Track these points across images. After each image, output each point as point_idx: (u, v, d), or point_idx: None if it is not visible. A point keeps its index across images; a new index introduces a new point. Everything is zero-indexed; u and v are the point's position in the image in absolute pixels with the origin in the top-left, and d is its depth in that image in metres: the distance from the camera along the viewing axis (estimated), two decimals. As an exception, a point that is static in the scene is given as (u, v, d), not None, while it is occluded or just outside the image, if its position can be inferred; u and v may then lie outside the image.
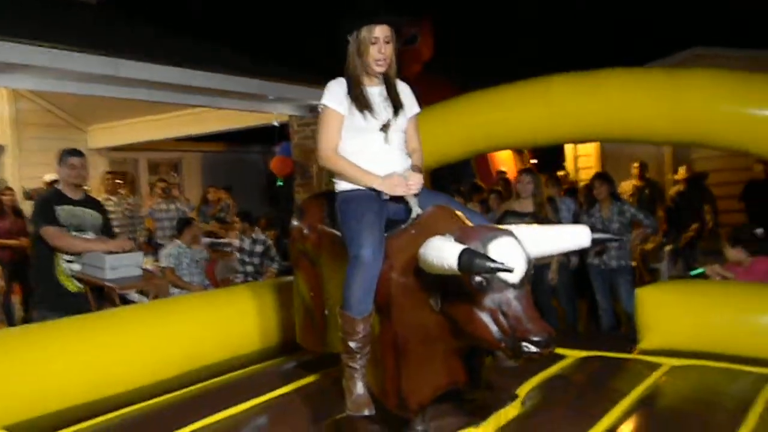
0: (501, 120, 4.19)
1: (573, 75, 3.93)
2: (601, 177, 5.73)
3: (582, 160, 10.28)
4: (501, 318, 2.24)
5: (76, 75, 5.15)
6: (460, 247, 2.15)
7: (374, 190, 2.74)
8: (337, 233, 2.92)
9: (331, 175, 2.91)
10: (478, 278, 2.21)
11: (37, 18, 5.54)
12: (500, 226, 2.40)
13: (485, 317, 2.26)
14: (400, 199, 2.75)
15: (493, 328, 2.26)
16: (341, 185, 2.85)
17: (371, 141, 2.81)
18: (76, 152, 4.30)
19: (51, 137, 8.85)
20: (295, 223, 3.26)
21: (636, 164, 8.37)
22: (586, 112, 3.83)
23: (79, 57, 4.91)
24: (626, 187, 8.42)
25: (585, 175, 10.05)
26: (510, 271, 2.12)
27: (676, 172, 8.64)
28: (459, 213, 2.65)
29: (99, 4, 8.37)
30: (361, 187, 2.77)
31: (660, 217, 7.87)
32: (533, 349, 2.15)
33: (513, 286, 2.24)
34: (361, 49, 2.76)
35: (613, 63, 4.03)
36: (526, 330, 2.18)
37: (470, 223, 2.56)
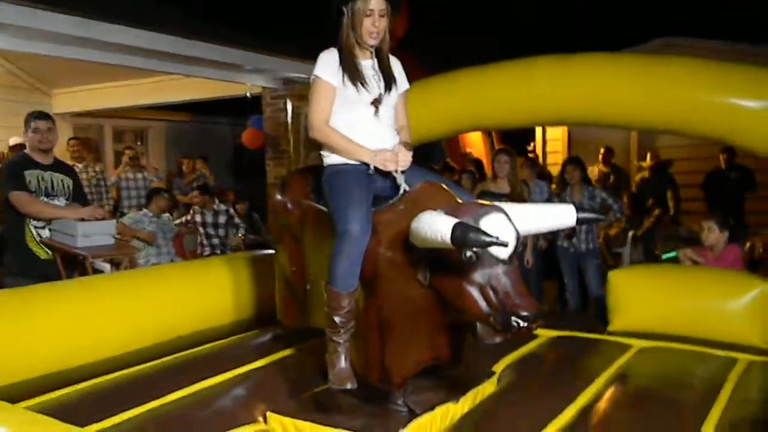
0: (483, 99, 4.20)
1: (557, 57, 3.95)
2: (574, 161, 5.80)
3: (550, 144, 10.38)
4: (490, 293, 2.27)
5: (45, 35, 4.96)
6: (454, 220, 2.17)
7: (364, 164, 2.73)
8: (323, 208, 2.91)
9: (319, 147, 2.88)
10: (468, 253, 2.22)
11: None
12: (490, 203, 2.41)
13: (474, 292, 2.29)
14: (387, 175, 2.75)
15: (482, 302, 2.29)
16: (330, 158, 2.82)
17: (362, 114, 2.79)
18: (42, 115, 4.15)
19: (15, 100, 8.58)
20: (278, 197, 3.21)
21: (602, 149, 8.50)
22: (569, 95, 3.86)
23: (50, 16, 4.73)
24: (593, 172, 8.54)
25: (553, 159, 10.17)
26: (504, 245, 2.15)
27: (643, 158, 8.78)
28: (448, 189, 2.66)
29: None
30: (350, 162, 2.75)
31: (625, 203, 8.03)
32: (522, 323, 2.19)
33: (503, 261, 2.27)
34: (356, 21, 2.72)
35: (587, 48, 4.06)
36: (515, 305, 2.22)
37: (460, 200, 2.58)
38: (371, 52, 2.83)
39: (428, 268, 2.42)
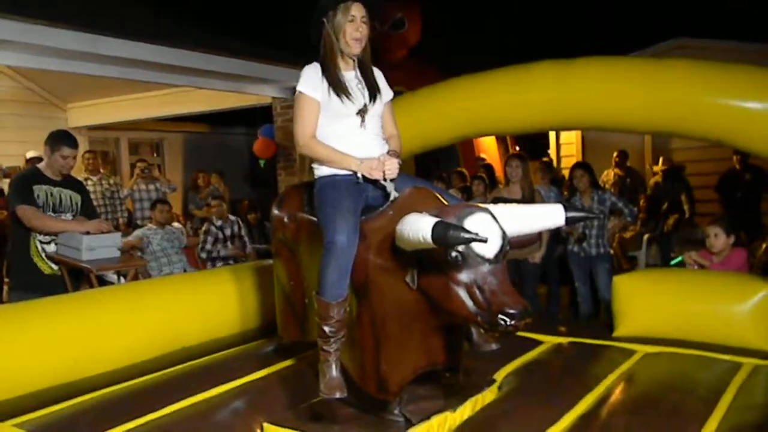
0: (485, 106, 4.19)
1: (556, 62, 3.93)
2: (582, 167, 5.76)
3: (564, 149, 10.31)
4: (477, 292, 2.27)
5: (55, 51, 5.06)
6: (434, 219, 2.18)
7: (353, 173, 2.73)
8: (316, 220, 2.93)
9: (311, 161, 2.89)
10: (454, 253, 2.24)
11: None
12: (476, 204, 2.42)
13: (461, 292, 2.30)
14: (377, 184, 2.75)
15: (469, 302, 2.29)
16: (320, 170, 2.83)
17: (348, 126, 2.80)
18: (71, 141, 4.09)
19: (30, 114, 8.74)
20: (275, 212, 3.24)
21: (615, 153, 8.43)
22: (567, 100, 3.84)
23: (59, 33, 4.82)
24: (608, 176, 8.48)
25: (567, 163, 10.07)
26: (483, 241, 2.15)
27: (656, 161, 8.71)
28: (437, 194, 2.67)
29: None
30: (339, 173, 2.76)
31: (642, 206, 7.96)
32: (509, 321, 2.19)
33: (488, 260, 2.27)
34: (337, 29, 2.75)
35: (597, 52, 4.03)
36: (501, 303, 2.22)
37: (447, 203, 2.58)
38: (354, 62, 2.84)
39: (415, 270, 2.42)
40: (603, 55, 3.96)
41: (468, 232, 2.13)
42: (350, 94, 2.76)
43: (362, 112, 2.79)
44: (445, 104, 4.44)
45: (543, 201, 5.54)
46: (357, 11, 2.73)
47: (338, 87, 2.75)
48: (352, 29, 2.74)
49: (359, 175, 2.72)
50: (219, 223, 6.86)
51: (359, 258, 2.60)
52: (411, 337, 2.60)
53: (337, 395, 2.61)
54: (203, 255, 6.75)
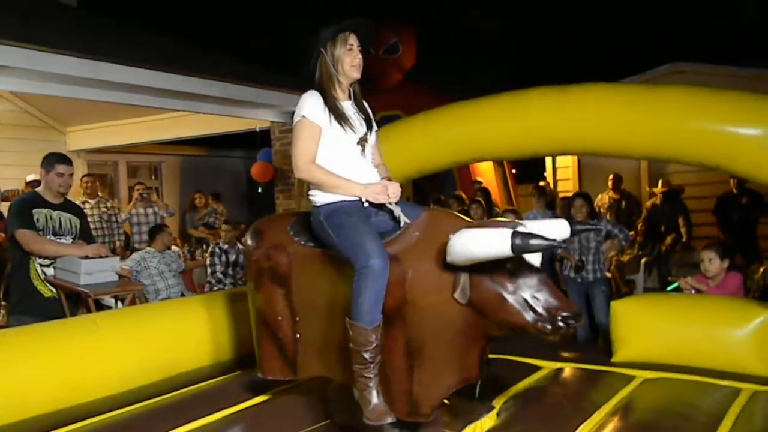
0: (481, 131, 4.22)
1: (551, 89, 3.97)
2: (583, 197, 5.78)
3: (561, 172, 10.37)
4: (533, 302, 2.43)
5: (55, 77, 5.09)
6: (509, 230, 2.27)
7: (357, 199, 2.76)
8: (316, 249, 2.93)
9: (308, 188, 2.90)
10: (509, 265, 2.38)
11: (15, 19, 5.48)
12: (505, 220, 2.65)
13: (516, 302, 2.44)
14: (381, 208, 2.78)
15: (526, 312, 2.44)
16: (322, 198, 2.83)
17: (349, 154, 2.83)
18: (64, 159, 4.16)
19: (29, 138, 8.75)
20: (252, 244, 3.16)
21: (611, 177, 8.47)
22: (563, 126, 3.87)
23: (59, 59, 4.86)
24: (603, 199, 8.51)
25: (563, 187, 10.15)
26: (563, 246, 2.28)
27: (653, 184, 8.75)
28: (457, 214, 2.80)
29: (79, 6, 8.31)
30: (345, 198, 2.78)
31: (639, 230, 7.98)
32: (570, 323, 2.39)
33: (537, 270, 2.41)
34: (336, 59, 2.81)
35: (593, 77, 4.09)
36: (558, 308, 2.42)
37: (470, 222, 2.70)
38: (350, 92, 2.90)
39: (468, 285, 2.51)
40: (599, 80, 4.02)
41: (547, 239, 2.24)
42: (352, 123, 2.81)
43: (362, 141, 2.84)
44: (442, 129, 4.48)
45: None
46: (354, 41, 2.82)
47: (340, 116, 2.79)
48: (351, 57, 2.81)
49: (364, 200, 2.74)
50: (225, 246, 6.86)
51: (393, 280, 2.61)
52: (450, 355, 2.64)
53: (389, 420, 2.59)
54: (213, 280, 6.73)
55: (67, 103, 7.49)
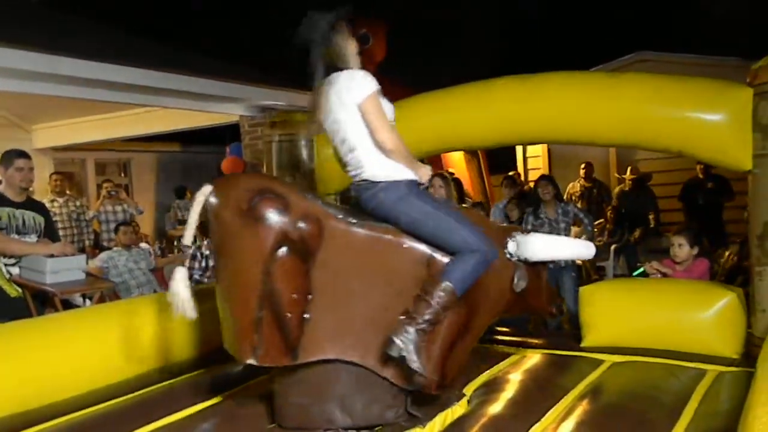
0: (448, 121, 4.23)
1: (514, 78, 4.00)
2: (547, 179, 5.87)
3: (531, 162, 10.43)
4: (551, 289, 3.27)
5: (15, 73, 5.00)
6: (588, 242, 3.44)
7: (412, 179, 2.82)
8: (351, 225, 2.79)
9: (351, 165, 2.87)
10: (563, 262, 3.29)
11: (-25, 14, 5.37)
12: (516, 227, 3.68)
13: (546, 290, 3.22)
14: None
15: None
16: (384, 173, 2.76)
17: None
18: (22, 154, 4.14)
19: (-8, 136, 8.59)
20: (274, 211, 2.66)
21: (582, 165, 8.55)
22: (527, 115, 3.90)
23: (19, 54, 4.77)
24: (574, 187, 8.59)
25: (534, 176, 10.21)
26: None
27: (622, 171, 8.85)
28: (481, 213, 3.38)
29: (39, 2, 8.15)
30: (407, 177, 2.79)
31: (609, 217, 8.08)
32: (558, 309, 3.44)
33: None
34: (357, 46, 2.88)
35: (559, 66, 4.11)
36: (555, 295, 3.37)
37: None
38: None
39: (525, 276, 3.02)
40: (565, 69, 4.05)
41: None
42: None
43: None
44: (410, 120, 4.45)
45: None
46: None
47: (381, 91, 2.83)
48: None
49: (424, 180, 2.86)
50: (206, 252, 6.71)
51: None
52: (479, 334, 3.09)
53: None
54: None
55: (32, 100, 7.37)
